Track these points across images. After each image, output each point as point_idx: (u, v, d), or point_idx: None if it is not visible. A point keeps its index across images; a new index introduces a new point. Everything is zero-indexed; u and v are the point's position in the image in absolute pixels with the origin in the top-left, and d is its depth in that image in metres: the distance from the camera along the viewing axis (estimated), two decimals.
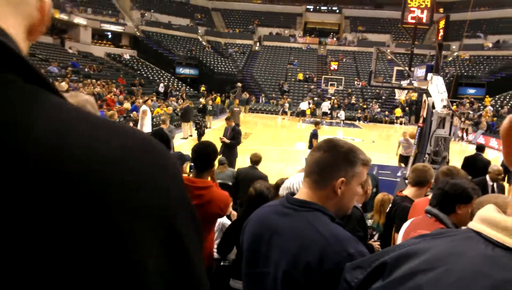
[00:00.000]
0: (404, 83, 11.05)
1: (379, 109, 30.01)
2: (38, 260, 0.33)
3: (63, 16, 29.14)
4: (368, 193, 3.43)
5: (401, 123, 27.69)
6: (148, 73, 32.04)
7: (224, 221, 4.84)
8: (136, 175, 0.39)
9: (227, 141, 8.89)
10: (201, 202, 3.06)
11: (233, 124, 9.30)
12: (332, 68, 33.63)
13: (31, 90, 0.39)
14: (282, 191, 3.21)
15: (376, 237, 3.90)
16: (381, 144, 18.23)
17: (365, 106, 29.94)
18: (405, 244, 0.58)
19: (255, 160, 6.12)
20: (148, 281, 0.37)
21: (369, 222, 3.89)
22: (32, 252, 0.33)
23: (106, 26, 33.59)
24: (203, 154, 3.14)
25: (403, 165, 10.35)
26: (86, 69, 25.01)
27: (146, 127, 10.44)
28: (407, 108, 28.59)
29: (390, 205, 3.46)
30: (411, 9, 12.08)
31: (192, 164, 3.35)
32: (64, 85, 16.91)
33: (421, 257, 0.52)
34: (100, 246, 0.35)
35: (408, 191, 3.26)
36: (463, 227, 0.56)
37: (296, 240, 1.35)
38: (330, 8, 43.20)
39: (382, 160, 13.17)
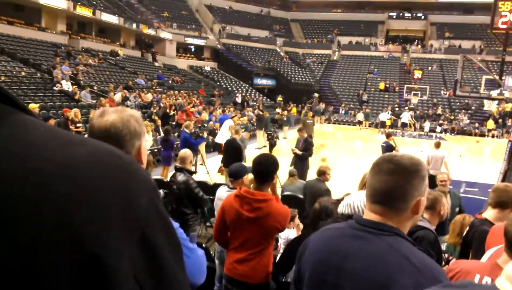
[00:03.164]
0: (494, 93, 10.17)
1: (468, 121, 27.85)
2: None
3: (151, 32, 31.21)
4: (442, 214, 3.12)
5: (493, 136, 25.49)
6: (227, 84, 33.01)
7: (289, 235, 4.70)
8: (102, 186, 0.40)
9: (299, 152, 8.81)
10: (259, 215, 2.98)
11: (305, 135, 9.18)
12: (415, 77, 32.04)
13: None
14: (342, 209, 3.03)
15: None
16: (469, 159, 16.81)
17: (452, 117, 27.99)
18: None
19: (319, 172, 5.96)
20: (120, 280, 0.39)
21: (444, 246, 3.55)
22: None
23: (190, 40, 35.34)
24: (263, 166, 3.07)
25: None
26: (170, 81, 26.46)
27: (223, 137, 10.61)
28: (500, 120, 26.23)
29: (467, 228, 3.13)
30: (502, 13, 11.03)
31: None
32: (149, 96, 18.02)
33: None
34: (65, 245, 0.37)
35: (488, 214, 2.91)
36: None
37: (380, 267, 1.22)
38: (414, 14, 41.20)
39: (470, 176, 12.08)
